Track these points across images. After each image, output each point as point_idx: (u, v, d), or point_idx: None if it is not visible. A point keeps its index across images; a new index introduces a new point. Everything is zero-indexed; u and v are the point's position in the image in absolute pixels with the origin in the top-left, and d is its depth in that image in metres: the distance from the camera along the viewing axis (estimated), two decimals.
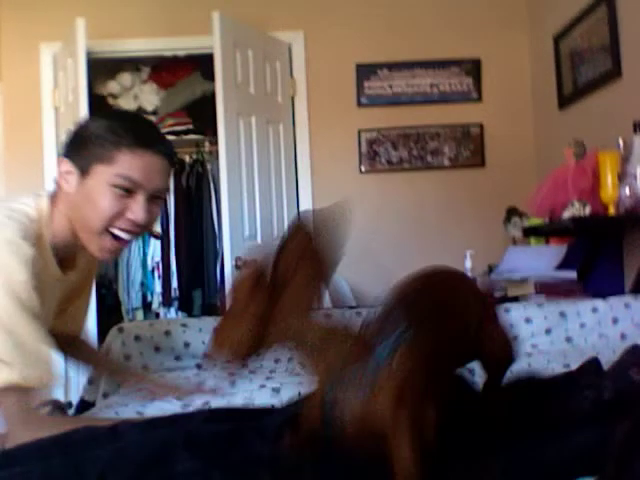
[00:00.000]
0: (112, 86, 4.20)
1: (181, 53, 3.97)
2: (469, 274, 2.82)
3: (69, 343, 1.56)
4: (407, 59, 3.81)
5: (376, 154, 3.81)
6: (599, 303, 2.13)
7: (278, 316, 0.86)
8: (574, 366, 1.41)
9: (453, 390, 1.01)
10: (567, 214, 2.57)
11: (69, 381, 3.12)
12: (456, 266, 1.27)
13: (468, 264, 2.98)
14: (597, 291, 2.44)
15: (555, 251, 2.86)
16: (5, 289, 1.13)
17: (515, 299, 2.59)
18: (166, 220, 4.05)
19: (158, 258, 4.09)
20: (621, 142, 2.56)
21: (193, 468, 0.90)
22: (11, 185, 3.71)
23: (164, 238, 4.05)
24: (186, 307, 4.11)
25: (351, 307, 2.79)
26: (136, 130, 1.25)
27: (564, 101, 3.35)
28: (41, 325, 1.18)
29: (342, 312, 2.12)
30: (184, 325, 2.05)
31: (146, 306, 4.14)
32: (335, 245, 0.88)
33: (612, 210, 2.52)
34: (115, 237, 1.27)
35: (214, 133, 3.48)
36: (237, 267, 3.18)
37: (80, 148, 1.26)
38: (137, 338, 1.95)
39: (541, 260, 2.82)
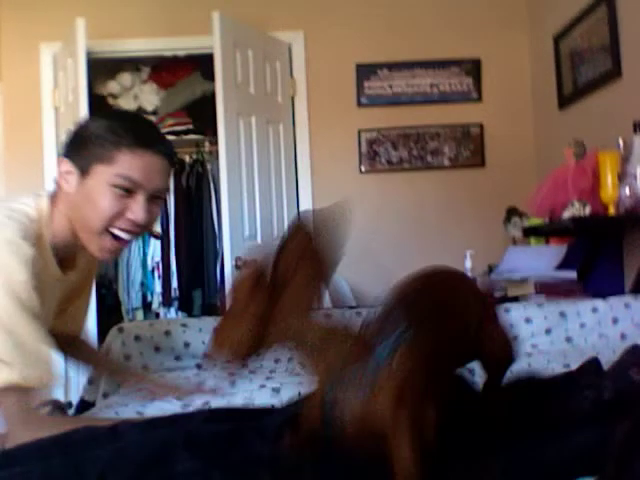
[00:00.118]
0: (112, 86, 4.20)
1: (181, 53, 3.97)
2: (469, 274, 2.81)
3: (69, 343, 1.56)
4: (407, 59, 3.81)
5: (376, 154, 3.80)
6: (599, 303, 2.13)
7: (278, 316, 0.86)
8: (574, 366, 1.41)
9: (453, 390, 1.01)
10: (567, 214, 2.57)
11: (69, 381, 3.11)
12: (456, 266, 1.27)
13: (468, 264, 2.98)
14: (597, 291, 2.44)
15: (555, 251, 2.86)
16: (5, 289, 1.13)
17: (515, 299, 2.58)
18: (166, 220, 4.04)
19: (158, 258, 4.09)
20: (621, 142, 2.56)
21: (193, 468, 0.90)
22: (11, 185, 3.71)
23: (164, 238, 4.05)
24: (186, 307, 4.11)
25: (351, 307, 2.79)
26: (136, 130, 1.26)
27: (564, 101, 3.35)
28: (41, 325, 1.18)
29: (342, 312, 2.11)
30: (184, 325, 2.05)
31: (146, 306, 4.14)
32: (335, 245, 0.88)
33: (612, 210, 2.52)
34: (115, 237, 1.27)
35: (214, 133, 3.48)
36: (237, 267, 3.18)
37: (80, 148, 1.26)
38: (137, 338, 1.95)
39: (541, 260, 2.81)
